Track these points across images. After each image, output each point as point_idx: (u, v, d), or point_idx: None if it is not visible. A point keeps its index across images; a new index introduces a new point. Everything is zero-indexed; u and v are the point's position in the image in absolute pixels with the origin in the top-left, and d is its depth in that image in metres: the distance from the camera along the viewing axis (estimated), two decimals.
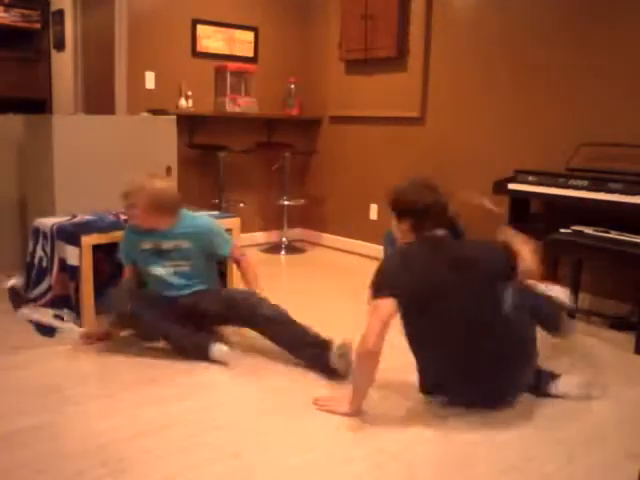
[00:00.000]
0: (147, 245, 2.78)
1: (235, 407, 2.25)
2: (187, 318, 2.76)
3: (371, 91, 4.72)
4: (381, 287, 2.13)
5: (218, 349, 2.62)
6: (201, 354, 2.62)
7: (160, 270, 2.79)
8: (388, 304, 2.08)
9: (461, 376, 2.19)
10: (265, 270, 4.34)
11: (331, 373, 2.48)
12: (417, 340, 2.24)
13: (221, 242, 2.88)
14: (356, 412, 2.16)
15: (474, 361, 2.17)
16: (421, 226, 2.20)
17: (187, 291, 2.82)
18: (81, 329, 2.87)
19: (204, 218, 2.97)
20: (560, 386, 2.34)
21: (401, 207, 2.23)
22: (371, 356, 2.07)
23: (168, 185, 2.82)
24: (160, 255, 2.77)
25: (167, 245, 2.76)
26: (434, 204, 2.20)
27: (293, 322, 2.64)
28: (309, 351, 2.57)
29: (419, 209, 2.19)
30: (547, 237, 3.23)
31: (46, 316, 2.95)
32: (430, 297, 2.14)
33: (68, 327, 2.92)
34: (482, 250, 2.27)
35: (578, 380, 2.40)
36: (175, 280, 2.81)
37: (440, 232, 2.22)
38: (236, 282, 3.57)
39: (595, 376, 2.53)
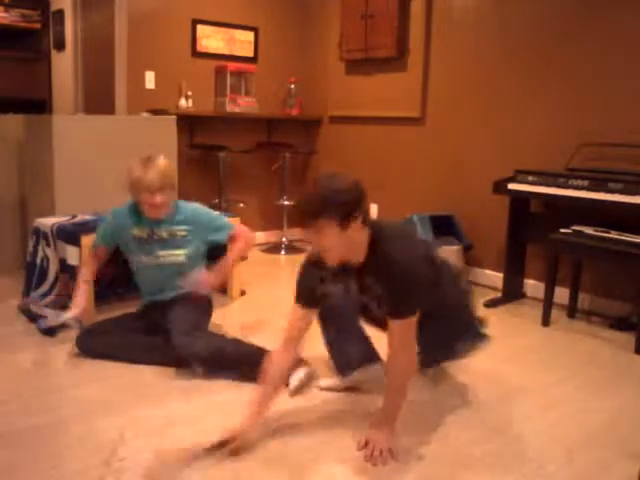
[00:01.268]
0: (140, 232, 2.65)
1: (235, 407, 2.25)
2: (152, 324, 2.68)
3: (371, 91, 4.72)
4: (414, 305, 1.97)
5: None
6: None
7: (149, 260, 2.67)
8: (416, 317, 1.98)
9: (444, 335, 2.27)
10: (265, 270, 4.37)
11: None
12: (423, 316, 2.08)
13: (219, 227, 2.76)
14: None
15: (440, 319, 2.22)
16: (367, 215, 1.95)
17: (161, 296, 2.69)
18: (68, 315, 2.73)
19: (197, 205, 2.80)
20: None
21: (348, 208, 1.87)
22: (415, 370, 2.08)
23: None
24: (153, 243, 2.64)
25: (162, 233, 2.64)
26: (361, 188, 1.94)
27: (226, 356, 2.44)
28: (254, 373, 2.29)
29: (361, 200, 1.91)
30: (547, 237, 3.24)
31: (48, 315, 2.94)
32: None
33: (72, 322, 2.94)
34: None
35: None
36: (157, 276, 2.69)
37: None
38: (236, 278, 3.58)
39: None
